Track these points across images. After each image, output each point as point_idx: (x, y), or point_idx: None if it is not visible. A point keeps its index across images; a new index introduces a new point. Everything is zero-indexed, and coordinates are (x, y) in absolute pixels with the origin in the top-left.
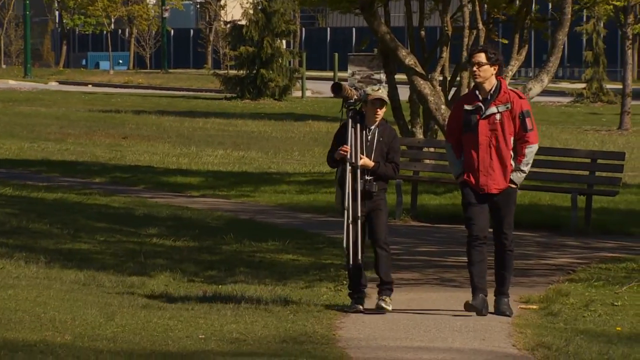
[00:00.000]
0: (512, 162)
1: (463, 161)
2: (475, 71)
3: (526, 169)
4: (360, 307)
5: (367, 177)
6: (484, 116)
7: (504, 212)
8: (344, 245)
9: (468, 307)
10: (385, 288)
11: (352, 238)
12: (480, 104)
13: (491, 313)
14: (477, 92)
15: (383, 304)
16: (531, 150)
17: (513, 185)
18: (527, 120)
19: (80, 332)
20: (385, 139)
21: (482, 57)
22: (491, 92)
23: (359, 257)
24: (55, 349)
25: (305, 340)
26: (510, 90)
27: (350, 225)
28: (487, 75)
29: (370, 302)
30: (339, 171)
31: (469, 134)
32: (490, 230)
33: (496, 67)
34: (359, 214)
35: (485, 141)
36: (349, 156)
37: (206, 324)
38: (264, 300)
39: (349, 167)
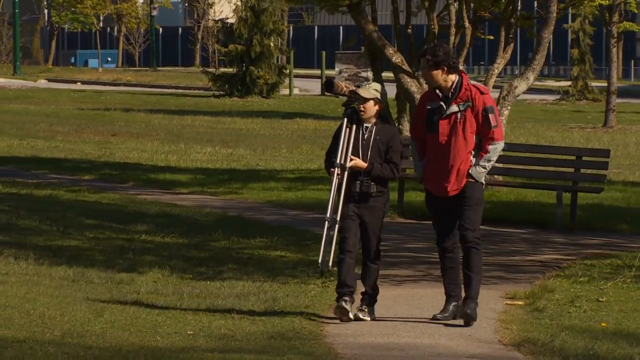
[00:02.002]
0: (473, 159)
1: (424, 163)
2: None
3: (487, 165)
4: (349, 312)
5: (363, 178)
6: (444, 116)
7: (464, 206)
8: (321, 251)
9: (433, 319)
10: (368, 298)
11: (325, 241)
12: (442, 102)
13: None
14: (437, 90)
15: (362, 315)
16: (495, 148)
17: (471, 180)
18: (491, 116)
19: (69, 328)
20: (383, 137)
21: (423, 62)
22: (452, 89)
23: (327, 263)
24: (44, 345)
25: (293, 336)
26: (472, 85)
27: (327, 230)
28: (436, 79)
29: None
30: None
31: (431, 134)
32: None
33: (444, 68)
34: (338, 218)
35: (445, 141)
36: (338, 158)
37: (195, 320)
38: (252, 296)
39: (337, 170)
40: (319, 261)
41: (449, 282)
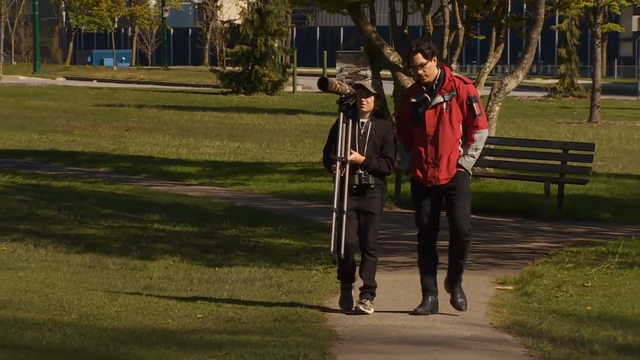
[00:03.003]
0: (461, 149)
1: (412, 155)
2: (421, 74)
3: (475, 154)
4: (351, 306)
5: (360, 171)
6: (430, 106)
7: (454, 199)
8: (332, 241)
9: (415, 314)
10: (367, 292)
11: (338, 233)
12: (426, 94)
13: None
14: (421, 85)
15: (362, 307)
16: (481, 136)
17: (462, 169)
18: (475, 105)
19: (86, 312)
20: (379, 132)
21: (420, 57)
22: (435, 81)
23: (343, 252)
24: (62, 327)
25: (297, 319)
26: (455, 77)
27: (336, 221)
28: (433, 72)
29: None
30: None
31: (417, 127)
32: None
33: (435, 59)
34: (345, 208)
35: (433, 132)
36: (338, 152)
37: (204, 304)
38: (258, 281)
39: (338, 164)
40: (332, 250)
41: (427, 276)
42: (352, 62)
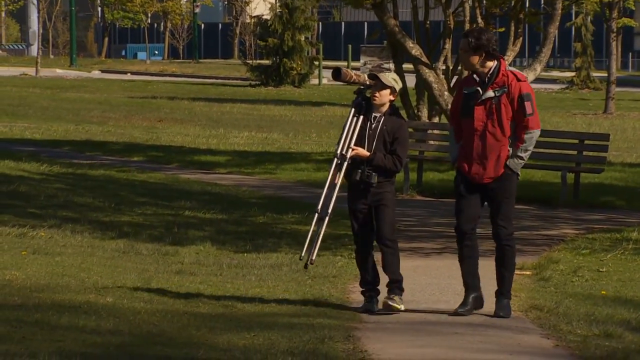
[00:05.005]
0: (510, 148)
1: (461, 146)
2: (460, 56)
3: (524, 155)
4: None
5: (364, 167)
6: (480, 101)
7: (498, 202)
8: (305, 245)
9: (455, 314)
10: (394, 287)
11: (311, 235)
12: (478, 87)
13: (490, 316)
14: (474, 75)
15: (391, 303)
16: (531, 137)
17: (509, 172)
18: (527, 104)
19: (120, 295)
20: (389, 127)
21: (464, 43)
22: (489, 74)
23: (311, 256)
24: (97, 309)
25: (322, 303)
26: (510, 71)
27: (314, 222)
28: (472, 62)
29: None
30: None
31: (466, 119)
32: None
33: (482, 54)
34: (329, 212)
35: (481, 127)
36: (338, 148)
37: (233, 287)
38: (285, 266)
39: (335, 160)
40: (301, 255)
41: (467, 273)
42: (375, 56)
